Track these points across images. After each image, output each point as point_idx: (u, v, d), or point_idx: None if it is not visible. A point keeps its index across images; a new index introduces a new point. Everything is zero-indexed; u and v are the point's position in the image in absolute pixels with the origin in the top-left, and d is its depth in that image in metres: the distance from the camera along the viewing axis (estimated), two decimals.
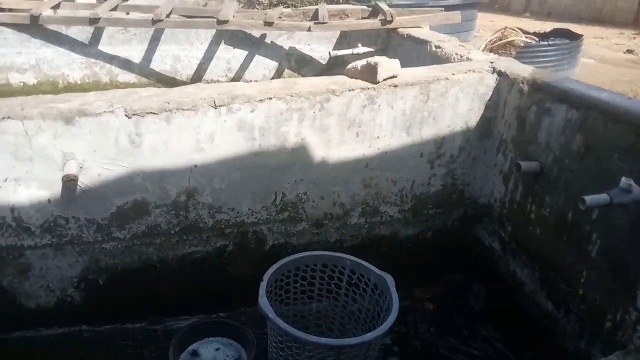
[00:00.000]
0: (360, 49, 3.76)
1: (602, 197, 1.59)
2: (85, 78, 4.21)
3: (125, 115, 2.09)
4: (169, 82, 4.35)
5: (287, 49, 4.37)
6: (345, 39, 4.28)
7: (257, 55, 4.41)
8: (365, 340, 1.73)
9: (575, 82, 2.18)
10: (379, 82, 2.34)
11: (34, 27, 3.85)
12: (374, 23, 3.65)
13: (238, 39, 4.24)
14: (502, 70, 2.46)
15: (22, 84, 4.08)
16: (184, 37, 4.20)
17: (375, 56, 2.41)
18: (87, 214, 2.25)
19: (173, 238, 2.42)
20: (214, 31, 4.14)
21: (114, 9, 4.09)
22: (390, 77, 2.37)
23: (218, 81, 4.39)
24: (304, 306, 2.25)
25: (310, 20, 3.91)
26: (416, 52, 3.37)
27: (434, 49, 3.14)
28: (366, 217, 2.67)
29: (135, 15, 3.93)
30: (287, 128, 2.30)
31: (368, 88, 2.33)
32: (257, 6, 9.42)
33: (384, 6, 3.75)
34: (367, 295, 2.09)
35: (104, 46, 4.13)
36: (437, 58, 3.08)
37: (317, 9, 3.93)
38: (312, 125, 2.33)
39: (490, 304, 2.71)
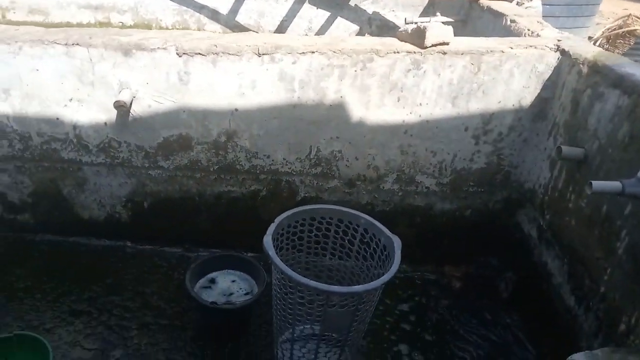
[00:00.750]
0: (439, 18, 3.62)
1: (613, 185, 1.49)
2: (175, 24, 4.50)
3: (177, 53, 2.27)
4: None
5: (371, 13, 4.36)
6: (432, 8, 4.17)
7: (339, 17, 4.43)
8: (352, 291, 1.79)
9: (637, 67, 1.99)
10: (426, 47, 2.30)
11: None
12: None
13: None
14: (566, 49, 2.30)
15: (120, 23, 4.46)
16: None
17: (432, 21, 2.36)
18: (137, 141, 2.49)
19: (212, 175, 2.60)
20: None
21: None
22: (441, 44, 2.32)
23: None
24: (317, 257, 2.34)
25: None
26: (492, 25, 3.22)
27: (509, 22, 2.98)
28: (401, 185, 2.67)
29: None
30: (327, 84, 2.35)
31: (414, 52, 2.31)
32: None
33: None
34: (376, 255, 2.13)
35: None
36: (509, 32, 2.93)
37: None
38: (352, 84, 2.36)
39: (518, 293, 2.62)
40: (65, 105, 2.37)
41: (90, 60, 2.27)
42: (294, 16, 4.48)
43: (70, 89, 2.33)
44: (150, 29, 4.49)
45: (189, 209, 2.70)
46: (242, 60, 2.29)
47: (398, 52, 2.31)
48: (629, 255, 1.81)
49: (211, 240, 2.81)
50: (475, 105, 2.44)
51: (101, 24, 4.47)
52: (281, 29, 4.51)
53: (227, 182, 2.63)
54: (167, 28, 4.51)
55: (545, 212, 2.43)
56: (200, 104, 2.39)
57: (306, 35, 4.52)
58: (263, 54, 2.28)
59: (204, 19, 4.50)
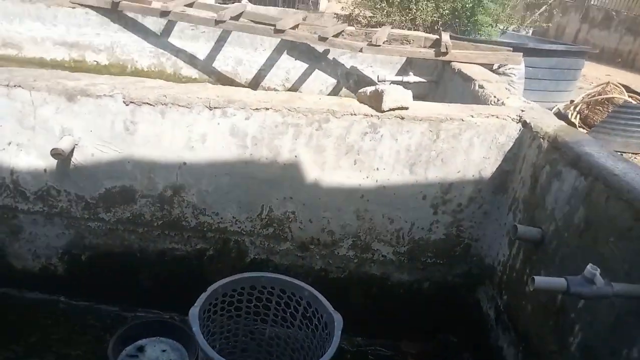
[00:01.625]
0: (411, 78, 3.64)
1: (558, 282, 1.37)
2: (151, 67, 4.48)
3: (124, 101, 2.18)
4: (228, 83, 4.51)
5: (349, 68, 4.36)
6: (409, 66, 4.17)
7: (317, 70, 4.43)
8: None
9: (598, 146, 1.92)
10: (384, 111, 2.24)
11: (114, 12, 4.16)
12: (427, 52, 3.52)
13: (301, 51, 4.29)
14: (528, 121, 2.25)
15: (95, 62, 4.43)
16: (249, 41, 4.33)
17: (389, 85, 2.31)
18: (78, 190, 2.37)
19: (155, 230, 2.47)
20: (278, 40, 4.22)
21: (190, 5, 4.35)
22: (399, 108, 2.25)
23: (274, 89, 4.47)
24: (256, 328, 2.18)
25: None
26: (462, 89, 3.19)
27: (477, 88, 2.96)
28: (356, 251, 2.55)
29: (203, 13, 4.12)
30: (281, 142, 2.27)
31: (372, 115, 2.24)
32: (355, 24, 9.54)
33: (445, 37, 3.60)
34: (317, 333, 1.98)
35: (173, 39, 4.38)
36: (477, 97, 2.89)
37: (379, 31, 3.88)
38: (307, 143, 2.27)
39: None
40: (3, 149, 2.26)
41: (32, 103, 2.17)
42: (272, 66, 4.47)
43: (9, 132, 2.23)
44: (125, 70, 4.46)
45: (130, 265, 2.54)
46: (193, 113, 2.21)
47: (355, 114, 2.24)
48: (582, 353, 1.68)
49: (152, 300, 2.63)
50: (434, 173, 2.36)
51: (75, 62, 4.43)
52: (258, 77, 4.50)
53: (172, 239, 2.49)
54: (142, 70, 4.48)
55: (502, 293, 2.31)
56: (147, 155, 2.29)
57: (283, 85, 4.50)
58: (215, 108, 2.20)
59: (181, 63, 4.48)
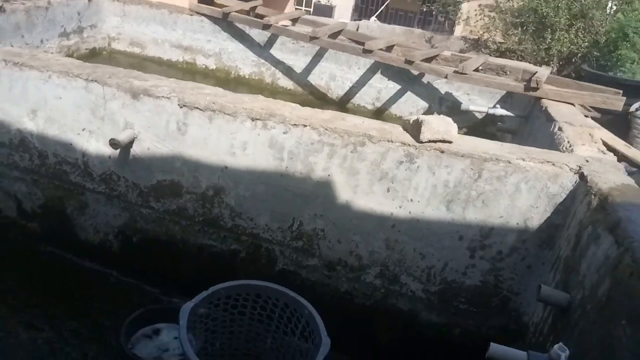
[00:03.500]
0: (498, 110, 3.44)
1: (518, 354, 1.22)
2: (252, 75, 4.76)
3: (178, 104, 2.36)
4: (320, 97, 4.64)
5: (443, 93, 4.24)
6: (511, 99, 3.93)
7: (409, 92, 4.38)
8: None
9: None
10: (422, 142, 2.15)
11: (224, 22, 4.50)
12: (516, 86, 3.28)
13: (394, 71, 4.27)
14: (585, 174, 2.00)
15: (204, 66, 4.84)
16: (345, 58, 4.41)
17: (434, 115, 2.21)
18: (134, 179, 2.61)
19: (196, 225, 2.63)
20: (372, 60, 4.22)
21: (295, 20, 4.55)
22: (440, 141, 2.15)
23: (364, 107, 4.49)
24: (258, 335, 2.21)
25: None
26: (543, 129, 2.94)
27: (556, 129, 2.70)
28: (383, 281, 2.48)
29: (302, 29, 4.28)
30: (316, 160, 2.29)
31: (409, 145, 2.17)
32: (482, 49, 9.12)
33: (543, 72, 3.32)
34: (308, 356, 1.95)
35: (274, 51, 4.62)
36: (552, 140, 2.64)
37: (473, 58, 3.71)
38: (341, 164, 2.27)
39: None
40: (78, 134, 2.57)
41: (104, 97, 2.45)
42: (364, 84, 4.50)
43: (84, 120, 2.53)
44: (229, 76, 4.79)
45: (172, 253, 2.74)
46: (237, 122, 2.32)
47: (392, 142, 2.19)
48: None
49: (188, 289, 2.76)
50: (473, 214, 2.21)
51: (187, 64, 4.87)
52: (349, 94, 4.56)
53: (210, 236, 2.64)
54: (243, 77, 4.78)
55: None
56: (194, 155, 2.46)
57: (373, 104, 4.50)
58: (256, 119, 2.29)
59: (279, 74, 4.70)
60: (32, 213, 2.91)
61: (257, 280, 2.14)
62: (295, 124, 2.27)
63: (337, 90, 4.61)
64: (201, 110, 2.35)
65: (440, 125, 2.15)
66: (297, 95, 4.69)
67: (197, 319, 2.11)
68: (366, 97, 4.53)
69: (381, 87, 4.45)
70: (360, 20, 12.16)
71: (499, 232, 2.22)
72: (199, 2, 4.98)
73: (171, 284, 2.85)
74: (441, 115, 2.24)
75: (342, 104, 4.52)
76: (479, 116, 4.06)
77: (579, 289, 1.75)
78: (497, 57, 7.92)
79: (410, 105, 4.38)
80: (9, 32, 3.63)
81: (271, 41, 4.61)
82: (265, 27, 4.25)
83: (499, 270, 2.29)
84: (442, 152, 2.15)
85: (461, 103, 4.13)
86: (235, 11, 4.47)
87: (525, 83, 3.26)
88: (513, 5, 9.15)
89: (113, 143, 2.38)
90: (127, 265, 2.87)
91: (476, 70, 3.73)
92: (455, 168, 2.16)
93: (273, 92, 4.68)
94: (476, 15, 9.41)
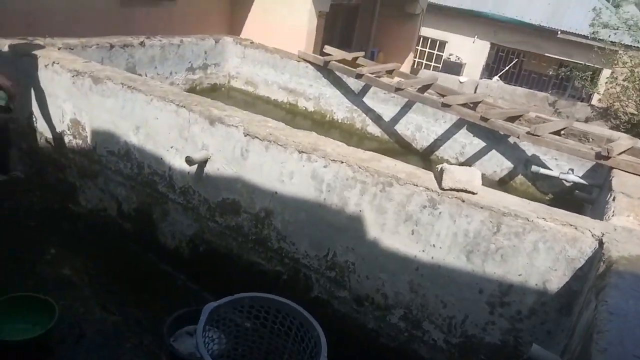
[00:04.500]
0: (570, 176, 3.32)
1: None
2: (344, 119, 5.13)
3: (244, 132, 2.74)
4: (405, 145, 4.84)
5: (529, 155, 4.17)
6: (601, 167, 3.75)
7: (494, 151, 4.39)
8: None
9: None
10: (444, 190, 2.26)
11: (325, 70, 4.94)
12: (586, 153, 3.16)
13: (480, 129, 4.32)
14: (604, 241, 1.95)
15: (304, 108, 5.32)
16: (432, 111, 4.58)
17: (460, 166, 2.31)
18: (205, 194, 3.04)
19: (250, 243, 2.95)
20: (458, 116, 4.32)
21: (390, 71, 4.83)
22: (462, 190, 2.24)
23: (447, 160, 4.55)
24: (277, 347, 2.42)
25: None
26: (604, 198, 2.79)
27: (610, 199, 2.58)
28: (407, 324, 2.55)
29: (386, 79, 4.54)
30: (350, 194, 2.51)
31: (432, 190, 2.29)
32: (612, 119, 8.48)
33: (623, 142, 3.15)
34: None
35: (367, 99, 4.96)
36: (603, 210, 2.53)
37: (555, 121, 3.63)
38: (371, 201, 2.45)
39: None
40: (167, 150, 3.09)
41: (189, 121, 2.93)
42: (449, 138, 4.61)
43: (173, 139, 3.04)
44: (324, 118, 5.20)
45: (228, 266, 3.08)
46: (287, 152, 2.64)
47: (417, 185, 2.32)
48: None
49: None
50: (492, 268, 2.23)
51: (290, 105, 5.39)
52: (434, 146, 4.70)
53: (259, 255, 2.95)
54: (337, 121, 5.18)
55: None
56: (252, 178, 2.81)
57: (456, 159, 4.55)
58: (302, 152, 2.59)
59: (368, 121, 5.01)
60: (128, 214, 3.49)
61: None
62: (334, 160, 2.51)
63: (421, 142, 4.75)
64: (260, 139, 2.71)
65: (462, 175, 2.24)
66: (383, 142, 4.92)
67: (226, 322, 2.40)
68: (450, 151, 4.60)
69: (466, 143, 4.50)
70: (491, 79, 12.03)
71: (518, 291, 2.20)
72: (315, 52, 5.51)
73: (224, 294, 3.18)
74: (471, 168, 2.32)
75: (426, 156, 4.64)
76: (567, 184, 3.91)
77: (569, 353, 1.71)
78: (627, 128, 7.38)
79: (495, 163, 4.36)
80: (145, 64, 4.43)
81: (364, 90, 4.94)
82: (358, 76, 4.59)
83: (518, 332, 2.25)
84: (463, 201, 2.23)
85: (546, 166, 4.02)
86: (337, 60, 4.89)
87: (597, 151, 3.13)
88: None
89: (188, 160, 2.83)
90: (193, 271, 3.29)
91: (557, 133, 3.63)
92: (474, 219, 2.22)
93: (361, 137, 4.98)
94: (606, 83, 8.84)
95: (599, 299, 1.57)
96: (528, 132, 3.37)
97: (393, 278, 2.52)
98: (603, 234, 2.00)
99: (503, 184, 4.35)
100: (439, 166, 2.38)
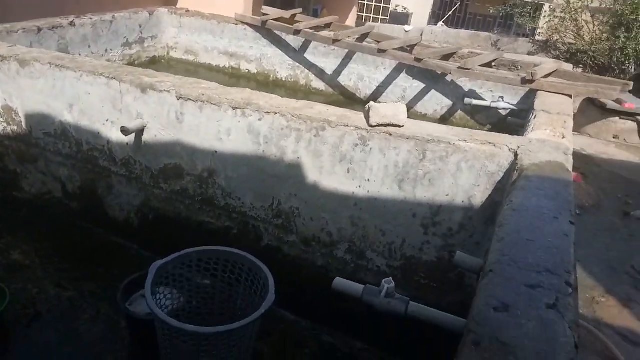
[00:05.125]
0: (500, 104, 3.54)
1: (355, 287, 1.48)
2: (288, 77, 5.19)
3: (176, 96, 2.80)
4: (350, 96, 4.95)
5: (467, 91, 4.36)
6: (533, 93, 3.99)
7: (433, 90, 4.57)
8: (198, 332, 2.00)
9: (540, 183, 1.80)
10: (372, 126, 2.40)
11: (264, 29, 4.97)
12: (513, 79, 3.38)
13: (419, 71, 4.48)
14: (519, 153, 2.15)
15: (247, 71, 5.34)
16: (372, 60, 4.70)
17: (382, 103, 2.46)
18: (146, 163, 3.09)
19: (197, 204, 3.05)
20: (397, 61, 4.45)
21: (328, 25, 4.91)
22: (389, 125, 2.39)
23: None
24: (230, 297, 2.56)
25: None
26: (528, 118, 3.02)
27: (532, 117, 2.80)
28: (352, 256, 2.73)
29: (325, 33, 4.63)
30: (286, 143, 2.62)
31: (362, 128, 2.43)
32: (552, 51, 8.86)
33: (547, 65, 3.39)
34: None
35: (308, 55, 5.02)
36: (525, 128, 2.75)
37: (485, 54, 3.83)
38: (307, 147, 2.58)
39: None
40: (103, 124, 3.11)
41: (121, 92, 2.95)
42: (390, 83, 4.75)
43: (107, 113, 3.06)
44: (268, 79, 5.25)
45: (179, 229, 3.17)
46: (221, 111, 2.72)
47: (347, 126, 2.46)
48: None
49: None
50: (422, 193, 2.42)
51: (233, 69, 5.40)
52: (376, 93, 4.83)
53: (208, 214, 3.05)
54: (280, 80, 5.22)
55: None
56: (190, 141, 2.89)
57: (398, 101, 4.71)
58: (236, 108, 2.67)
59: (312, 76, 5.08)
60: (73, 194, 3.51)
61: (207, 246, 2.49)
62: (267, 112, 2.62)
63: (364, 90, 4.89)
64: (193, 101, 2.78)
65: (388, 111, 2.39)
66: (329, 95, 5.03)
67: (176, 278, 2.51)
68: (392, 96, 4.76)
69: (406, 86, 4.66)
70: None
71: (447, 210, 2.40)
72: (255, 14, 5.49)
73: None
74: (397, 103, 2.47)
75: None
76: (503, 112, 4.15)
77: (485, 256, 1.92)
78: (567, 58, 7.72)
79: (435, 103, 4.55)
80: (78, 44, 4.35)
81: (305, 46, 5.00)
82: (296, 32, 4.65)
83: (451, 247, 2.46)
84: (390, 134, 2.39)
85: (484, 99, 4.25)
86: (274, 19, 4.92)
87: (522, 76, 3.35)
88: (587, 5, 8.84)
89: (123, 130, 2.87)
90: (145, 239, 3.37)
91: (488, 65, 3.85)
92: (402, 149, 2.39)
93: (307, 93, 5.07)
94: (544, 17, 9.21)
95: (506, 200, 1.77)
96: (459, 67, 3.56)
97: (335, 216, 2.68)
98: (518, 147, 2.21)
99: (444, 121, 4.55)
100: (367, 105, 2.53)
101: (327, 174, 2.61)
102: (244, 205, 2.92)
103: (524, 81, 3.30)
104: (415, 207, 2.47)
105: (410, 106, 4.68)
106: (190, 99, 2.79)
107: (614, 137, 7.27)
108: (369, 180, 2.52)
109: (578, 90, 3.15)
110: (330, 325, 2.94)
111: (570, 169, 2.07)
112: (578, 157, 5.42)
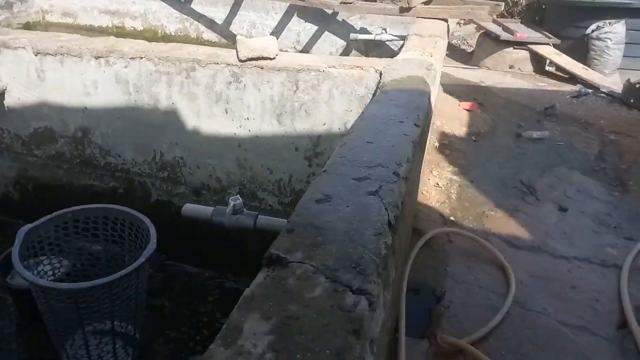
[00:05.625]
0: (384, 36, 3.57)
1: (204, 210, 1.46)
2: (178, 31, 4.95)
3: (33, 52, 2.59)
4: None
5: (358, 29, 4.35)
6: (421, 25, 4.04)
7: (327, 32, 4.51)
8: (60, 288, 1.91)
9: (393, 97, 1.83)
10: (242, 61, 2.34)
11: None
12: (392, 10, 3.41)
13: (310, 13, 4.39)
14: (383, 72, 2.17)
15: (132, 28, 5.04)
16: (261, 5, 4.55)
17: (255, 37, 2.39)
18: (14, 129, 2.88)
19: (76, 167, 2.89)
20: (287, 4, 4.35)
21: None
22: (260, 58, 2.33)
23: (287, 51, 4.63)
24: (116, 255, 2.48)
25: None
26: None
27: (406, 42, 2.84)
28: (244, 199, 2.67)
29: None
30: (158, 89, 2.51)
31: (233, 65, 2.36)
32: None
33: None
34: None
35: (195, 5, 4.79)
36: (397, 52, 2.79)
37: None
38: (180, 91, 2.49)
39: None
40: None
41: None
42: (284, 28, 4.64)
43: None
44: (156, 35, 4.98)
45: (62, 197, 3.00)
46: (83, 62, 2.55)
47: (218, 64, 2.38)
48: None
49: None
50: (301, 125, 2.41)
51: (117, 28, 5.07)
52: None
53: (90, 177, 2.90)
54: (170, 34, 4.96)
55: None
56: (57, 99, 2.70)
57: (294, 48, 4.64)
58: (99, 57, 2.51)
59: (202, 28, 4.87)
60: None
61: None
62: (132, 57, 2.48)
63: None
64: (52, 55, 2.58)
65: (257, 44, 2.34)
66: (222, 46, 4.87)
67: (52, 241, 2.37)
68: (286, 42, 4.68)
69: (300, 30, 4.59)
70: None
71: (326, 139, 2.41)
72: None
73: None
74: (267, 37, 2.42)
75: None
76: (391, 45, 4.19)
77: None
78: None
79: (329, 44, 4.52)
80: None
81: None
82: None
83: None
84: (262, 68, 2.34)
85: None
86: None
87: (400, 6, 3.39)
88: None
89: None
90: (29, 213, 3.15)
91: (372, 0, 3.85)
92: (275, 82, 2.35)
93: (199, 46, 4.86)
94: None
95: (361, 113, 1.79)
96: (342, 2, 3.53)
97: (221, 161, 2.63)
98: (384, 67, 2.23)
99: None
100: (236, 39, 2.45)
101: (206, 117, 2.53)
102: (125, 161, 2.79)
103: (402, 9, 3.33)
104: (296, 140, 2.46)
105: (306, 50, 4.62)
106: (49, 54, 2.59)
107: (509, 67, 7.60)
108: (248, 118, 2.47)
109: (451, 13, 3.23)
110: (234, 272, 2.93)
111: (433, 82, 2.12)
112: (478, 88, 5.62)
